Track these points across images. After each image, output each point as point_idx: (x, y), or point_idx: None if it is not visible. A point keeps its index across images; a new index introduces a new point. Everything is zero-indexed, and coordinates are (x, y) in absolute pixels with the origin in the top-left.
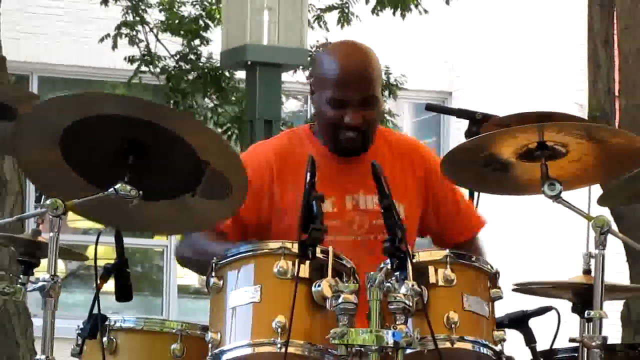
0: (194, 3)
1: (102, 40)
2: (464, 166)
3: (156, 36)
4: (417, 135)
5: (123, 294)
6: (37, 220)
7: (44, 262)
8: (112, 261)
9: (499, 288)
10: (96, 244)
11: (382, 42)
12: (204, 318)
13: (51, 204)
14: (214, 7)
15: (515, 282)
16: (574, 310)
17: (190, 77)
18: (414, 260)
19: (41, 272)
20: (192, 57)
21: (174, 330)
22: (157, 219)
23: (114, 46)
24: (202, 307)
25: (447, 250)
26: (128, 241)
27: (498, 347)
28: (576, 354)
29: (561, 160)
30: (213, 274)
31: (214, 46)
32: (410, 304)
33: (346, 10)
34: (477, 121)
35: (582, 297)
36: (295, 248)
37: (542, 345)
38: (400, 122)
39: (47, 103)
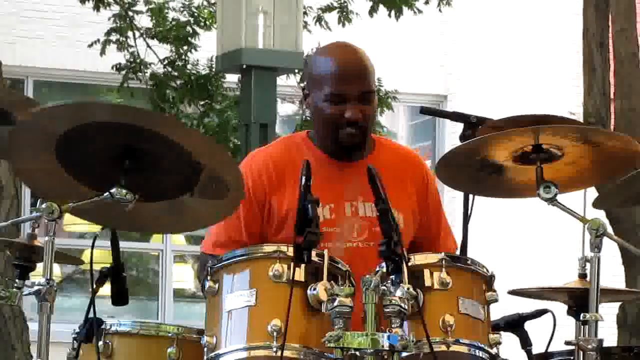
0: (182, 9)
1: (90, 45)
2: (459, 169)
3: (146, 42)
4: (412, 139)
5: (119, 297)
6: (33, 224)
7: (39, 266)
8: (108, 265)
9: (495, 291)
10: (92, 247)
11: (377, 45)
12: (200, 322)
13: (47, 207)
14: (203, 12)
15: (511, 284)
16: (569, 313)
17: (178, 83)
18: (409, 264)
19: (37, 276)
20: (180, 63)
21: (169, 334)
22: (156, 218)
23: (102, 52)
24: (197, 311)
25: (443, 254)
26: (124, 245)
27: (494, 350)
28: (572, 357)
29: (557, 163)
30: (208, 277)
31: (202, 52)
32: (406, 307)
33: (345, 10)
34: (472, 124)
35: (578, 300)
36: (290, 251)
37: (537, 348)
38: (395, 125)
39: (39, 113)
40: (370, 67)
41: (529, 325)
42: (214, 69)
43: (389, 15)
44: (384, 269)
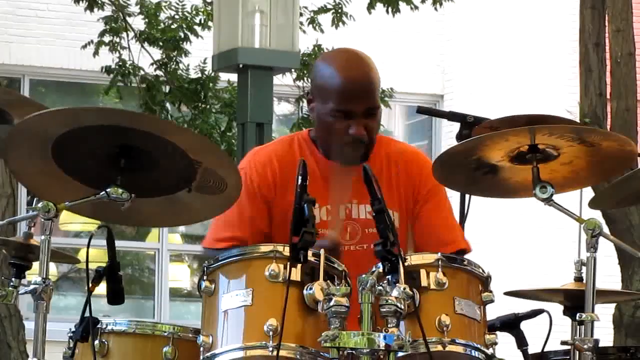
0: (175, 12)
1: (84, 47)
2: (455, 169)
3: (141, 44)
4: (408, 138)
5: (115, 297)
6: (29, 223)
7: (35, 265)
8: (104, 264)
9: (491, 291)
10: (88, 246)
11: (374, 45)
12: (196, 321)
13: (43, 206)
14: (196, 16)
15: (507, 285)
16: (565, 313)
17: (169, 87)
18: (405, 264)
19: (33, 274)
20: (172, 65)
21: (165, 334)
22: (153, 213)
23: (95, 53)
24: (193, 310)
25: (439, 254)
26: (119, 244)
27: (490, 350)
28: (568, 357)
29: (553, 163)
30: (205, 277)
31: (195, 54)
32: (402, 307)
33: (339, 11)
34: (469, 124)
35: (574, 301)
36: (286, 251)
37: (533, 348)
38: (391, 124)
39: (33, 119)
40: (375, 82)
41: (525, 326)
42: (206, 72)
43: (387, 11)
44: (380, 269)
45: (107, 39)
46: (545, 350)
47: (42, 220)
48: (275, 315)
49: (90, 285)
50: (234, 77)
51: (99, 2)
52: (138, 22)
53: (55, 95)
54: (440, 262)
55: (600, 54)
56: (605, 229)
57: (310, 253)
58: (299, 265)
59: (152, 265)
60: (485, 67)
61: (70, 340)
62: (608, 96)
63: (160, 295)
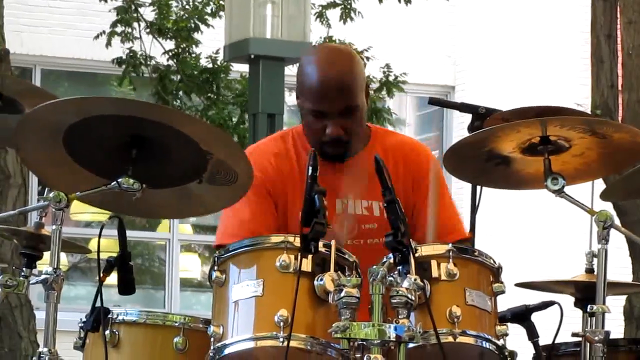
0: (185, 6)
1: (96, 37)
2: (466, 160)
3: (153, 35)
4: (420, 129)
5: (126, 287)
6: (40, 213)
7: (46, 255)
8: (115, 254)
9: (502, 282)
10: (99, 236)
11: (384, 36)
12: (207, 311)
13: (54, 196)
14: (207, 6)
15: (518, 276)
16: (576, 305)
17: (180, 77)
18: (416, 255)
19: (44, 264)
20: (184, 56)
21: (176, 324)
22: (164, 204)
23: (108, 44)
24: (204, 301)
25: (450, 245)
26: (130, 234)
27: (500, 342)
28: (579, 349)
29: (564, 154)
30: (215, 267)
31: (207, 45)
32: (413, 298)
33: (348, 7)
34: (480, 115)
35: (585, 292)
36: (297, 242)
37: (544, 339)
38: (403, 115)
39: (44, 108)
40: (352, 81)
41: (535, 317)
42: (218, 62)
43: (399, 1)
44: (391, 260)
45: (119, 29)
46: (556, 342)
47: (53, 210)
48: (285, 306)
49: (101, 275)
50: (245, 68)
51: None
52: (149, 13)
53: (67, 85)
54: (451, 253)
55: (611, 45)
56: (617, 221)
57: (321, 244)
58: (310, 256)
59: (162, 255)
60: (497, 59)
61: (81, 330)
62: (619, 88)
63: (170, 285)
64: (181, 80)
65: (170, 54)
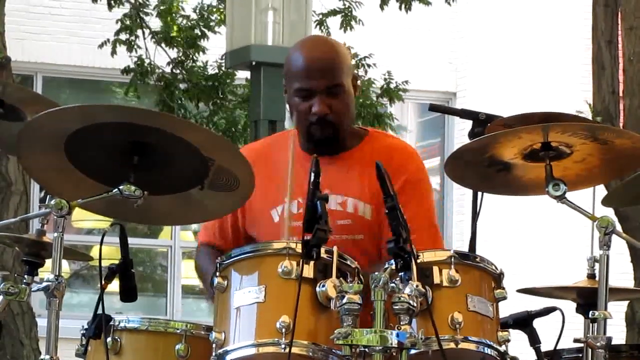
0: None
1: (101, 46)
2: (468, 167)
3: (158, 42)
4: (421, 136)
5: (127, 294)
6: (42, 221)
7: (48, 262)
8: (117, 261)
9: (504, 289)
10: (101, 244)
11: (386, 43)
12: (208, 318)
13: (56, 204)
14: (212, 13)
15: (519, 282)
16: (578, 310)
17: (185, 85)
18: (418, 261)
19: (46, 272)
20: (189, 63)
21: (178, 331)
22: (166, 211)
23: (113, 52)
24: (206, 307)
25: (452, 251)
26: (132, 241)
27: (502, 348)
28: (581, 355)
29: (566, 160)
30: (217, 273)
31: (212, 52)
32: (415, 305)
33: (349, 15)
34: (481, 122)
35: (587, 298)
36: (299, 248)
37: (546, 345)
38: (404, 122)
39: (46, 116)
40: (338, 61)
41: (537, 323)
42: (223, 69)
43: (400, 7)
44: (393, 266)
45: (123, 37)
46: (558, 348)
47: (55, 217)
48: (287, 312)
49: (103, 282)
50: (248, 74)
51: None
52: (154, 21)
53: (68, 92)
54: (452, 259)
55: (613, 51)
56: (618, 227)
57: (322, 250)
58: (312, 262)
59: (164, 262)
60: (498, 65)
61: (83, 338)
62: (621, 94)
63: (172, 292)
64: (187, 89)
65: (175, 62)
